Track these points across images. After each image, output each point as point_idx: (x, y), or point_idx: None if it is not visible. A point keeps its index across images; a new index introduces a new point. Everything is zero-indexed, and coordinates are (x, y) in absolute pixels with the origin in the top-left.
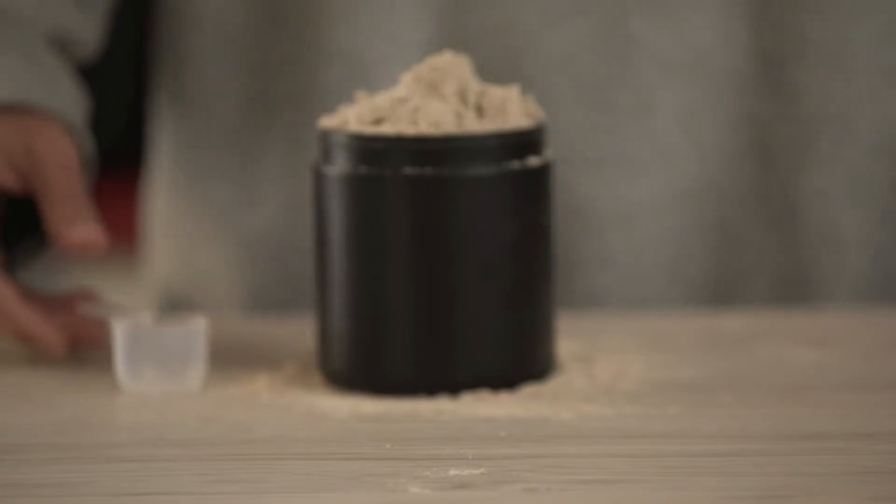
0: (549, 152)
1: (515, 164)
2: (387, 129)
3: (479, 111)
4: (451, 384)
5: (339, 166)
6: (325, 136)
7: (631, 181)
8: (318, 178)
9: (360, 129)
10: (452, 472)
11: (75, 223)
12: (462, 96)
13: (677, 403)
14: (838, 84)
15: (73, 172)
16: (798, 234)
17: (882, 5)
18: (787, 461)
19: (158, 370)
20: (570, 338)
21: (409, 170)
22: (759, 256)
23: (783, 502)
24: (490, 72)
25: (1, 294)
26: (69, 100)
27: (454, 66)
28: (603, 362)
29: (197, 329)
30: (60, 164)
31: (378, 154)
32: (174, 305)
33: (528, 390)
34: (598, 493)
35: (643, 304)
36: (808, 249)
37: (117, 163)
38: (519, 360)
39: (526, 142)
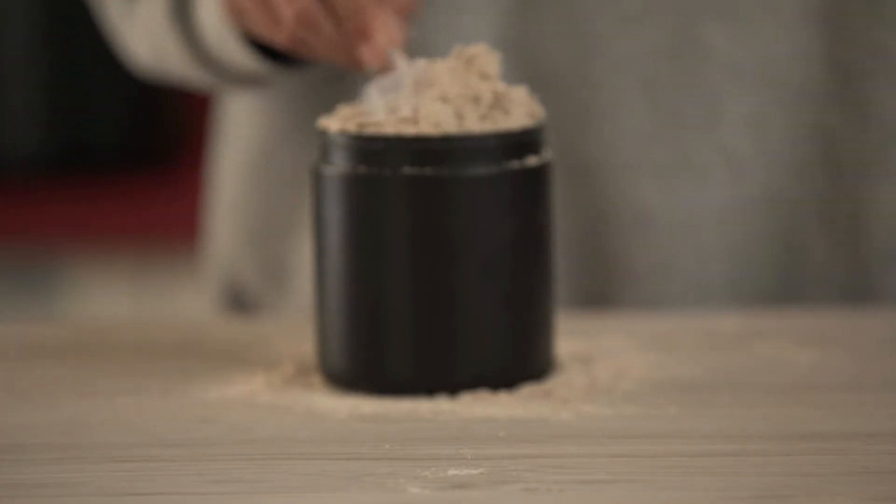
0: (549, 152)
1: (515, 164)
2: (386, 129)
3: (484, 110)
4: (450, 384)
5: (337, 166)
6: (324, 136)
7: (696, 189)
8: (317, 178)
9: (359, 129)
10: (451, 472)
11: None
12: (468, 95)
13: (677, 403)
14: None
15: None
16: (864, 248)
17: None
18: (787, 461)
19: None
20: (570, 338)
21: (408, 170)
22: (824, 269)
23: (783, 502)
24: (558, 74)
25: None
26: None
27: (464, 64)
28: (603, 362)
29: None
30: None
31: (377, 154)
32: (239, 301)
33: (528, 390)
34: (597, 493)
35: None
36: (873, 264)
37: (119, 163)
38: (519, 360)
39: (525, 142)
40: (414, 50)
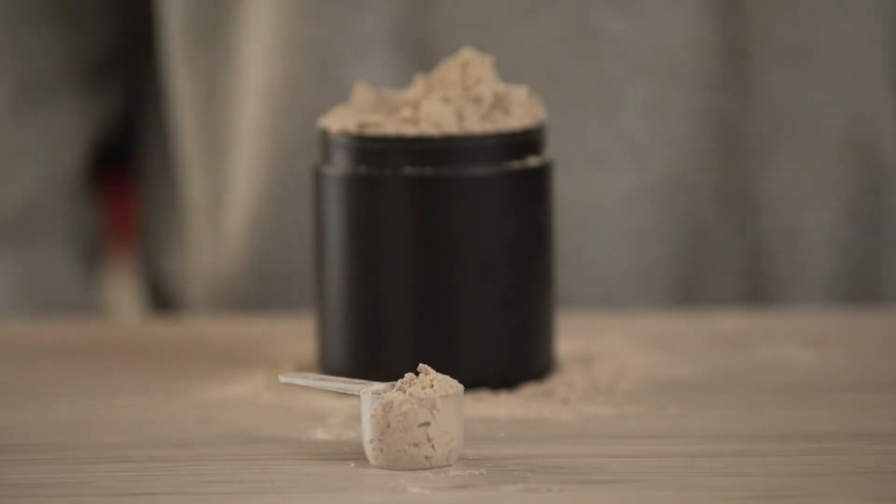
0: (549, 152)
1: (515, 164)
2: (387, 129)
3: (485, 110)
4: None
5: (338, 166)
6: (325, 136)
7: (601, 178)
8: (318, 178)
9: (359, 129)
10: (452, 472)
11: None
12: (469, 95)
13: (677, 403)
14: (804, 82)
15: None
16: (762, 231)
17: (849, 4)
18: (787, 461)
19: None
20: (570, 338)
21: (409, 170)
22: (725, 253)
23: (783, 502)
24: None
25: None
26: None
27: (466, 66)
28: (603, 362)
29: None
30: None
31: (378, 154)
32: (161, 302)
33: (528, 390)
34: (598, 493)
35: (611, 302)
36: (772, 247)
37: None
38: (519, 360)
39: (526, 142)
40: (312, 46)
